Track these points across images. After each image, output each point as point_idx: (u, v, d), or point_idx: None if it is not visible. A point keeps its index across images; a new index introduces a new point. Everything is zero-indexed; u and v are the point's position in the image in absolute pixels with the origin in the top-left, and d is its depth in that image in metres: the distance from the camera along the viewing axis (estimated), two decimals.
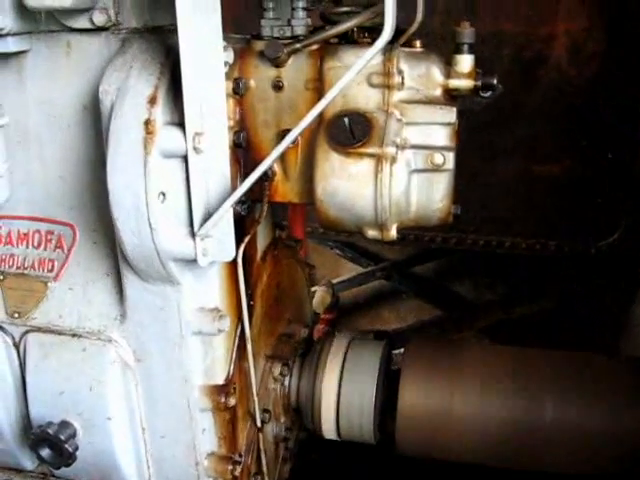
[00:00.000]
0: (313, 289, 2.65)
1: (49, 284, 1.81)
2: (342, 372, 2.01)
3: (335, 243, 3.92)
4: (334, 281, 3.50)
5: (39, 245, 1.83)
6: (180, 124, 1.50)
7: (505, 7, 3.11)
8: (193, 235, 1.54)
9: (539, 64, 3.18)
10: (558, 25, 3.08)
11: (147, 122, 1.48)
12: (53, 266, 1.82)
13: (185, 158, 1.51)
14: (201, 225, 1.52)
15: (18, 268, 1.84)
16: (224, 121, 1.49)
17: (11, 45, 1.65)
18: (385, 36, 1.32)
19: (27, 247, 1.84)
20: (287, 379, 2.06)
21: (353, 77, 1.37)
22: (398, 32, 1.77)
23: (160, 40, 1.61)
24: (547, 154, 3.30)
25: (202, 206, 1.54)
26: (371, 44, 1.65)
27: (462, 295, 3.65)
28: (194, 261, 1.56)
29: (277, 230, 2.06)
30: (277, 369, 2.02)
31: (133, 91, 1.52)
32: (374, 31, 1.69)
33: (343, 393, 2.00)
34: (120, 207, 1.53)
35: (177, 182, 1.54)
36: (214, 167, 1.52)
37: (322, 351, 2.06)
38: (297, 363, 2.09)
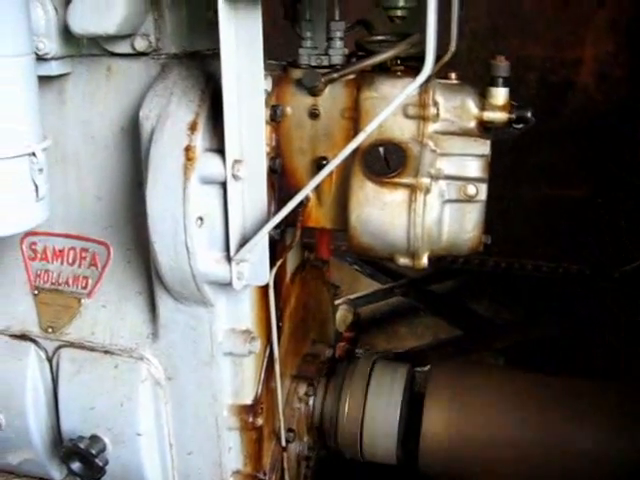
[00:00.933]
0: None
1: (83, 300, 1.85)
2: (366, 393, 2.03)
3: (354, 259, 3.95)
4: (352, 297, 3.53)
5: (73, 262, 1.86)
6: (219, 151, 1.53)
7: (532, 31, 3.13)
8: (229, 259, 1.57)
9: (566, 88, 3.20)
10: (586, 50, 3.10)
11: (187, 148, 1.52)
12: (87, 283, 1.85)
13: (223, 184, 1.54)
14: (237, 250, 1.55)
15: (52, 284, 1.88)
16: (263, 149, 1.52)
17: (54, 68, 1.69)
18: (425, 73, 1.34)
19: (62, 264, 1.87)
20: (312, 399, 2.08)
21: (392, 111, 1.40)
22: None
23: (200, 66, 1.64)
24: (571, 178, 3.32)
25: (238, 231, 1.57)
26: (404, 73, 1.70)
27: (480, 314, 3.66)
28: (228, 284, 1.60)
29: (306, 252, 2.10)
30: (302, 389, 2.05)
31: (174, 117, 1.55)
32: (407, 59, 1.72)
33: (367, 414, 2.02)
34: (158, 231, 1.56)
35: (214, 207, 1.57)
36: (252, 194, 1.55)
37: (347, 372, 2.09)
38: (322, 383, 2.11)
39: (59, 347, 1.84)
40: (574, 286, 3.46)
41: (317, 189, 1.70)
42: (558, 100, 3.20)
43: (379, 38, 1.78)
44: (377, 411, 2.02)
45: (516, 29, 3.10)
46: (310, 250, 2.12)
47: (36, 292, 1.89)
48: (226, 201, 1.55)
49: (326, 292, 2.32)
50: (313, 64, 1.67)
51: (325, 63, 1.67)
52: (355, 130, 1.64)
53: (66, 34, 1.65)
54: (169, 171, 1.52)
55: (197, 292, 1.62)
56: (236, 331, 1.73)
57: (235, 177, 1.51)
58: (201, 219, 1.55)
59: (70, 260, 1.87)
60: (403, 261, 1.66)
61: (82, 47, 1.71)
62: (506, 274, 3.57)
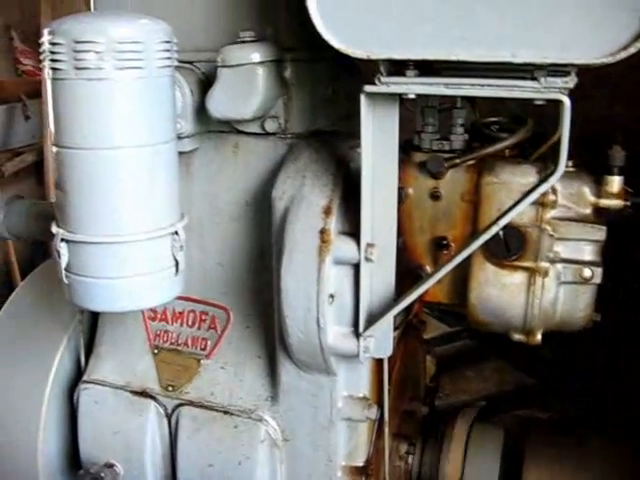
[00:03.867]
0: None
1: (202, 361, 1.95)
2: (465, 456, 2.11)
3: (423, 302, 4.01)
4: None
5: (193, 324, 1.97)
6: (352, 234, 1.63)
7: (619, 91, 3.17)
8: (356, 334, 1.67)
9: None
10: None
11: (322, 231, 1.61)
12: (206, 345, 1.95)
13: (354, 264, 1.63)
14: (366, 327, 1.65)
15: (172, 344, 1.98)
16: (394, 233, 1.61)
17: (187, 145, 1.80)
18: (558, 174, 1.42)
19: (181, 325, 1.98)
20: (411, 457, 2.16)
21: (523, 208, 1.48)
22: (537, 137, 1.88)
23: (328, 149, 1.74)
24: None
25: (366, 309, 1.66)
26: (512, 151, 1.79)
27: (548, 359, 3.70)
28: (354, 357, 1.69)
29: (409, 315, 2.18)
30: (403, 448, 2.13)
31: (308, 201, 1.65)
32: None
33: (466, 476, 2.09)
34: (291, 307, 1.65)
35: (344, 285, 1.66)
36: (380, 274, 1.64)
37: (445, 433, 2.16)
38: (419, 441, 2.19)
39: (179, 405, 1.94)
40: None
41: (435, 266, 1.79)
42: None
43: (493, 120, 1.87)
44: (476, 473, 2.09)
45: (602, 89, 3.14)
46: (414, 315, 2.20)
47: (156, 351, 1.99)
48: (356, 280, 1.64)
49: (420, 349, 2.41)
50: (434, 148, 1.76)
51: (446, 148, 1.75)
52: (475, 212, 1.72)
53: (199, 114, 1.77)
54: (304, 252, 1.62)
55: (322, 363, 1.72)
56: (354, 398, 1.82)
57: (367, 259, 1.60)
58: (332, 296, 1.65)
59: (190, 322, 1.97)
60: (517, 337, 1.75)
61: (211, 124, 1.81)
62: None
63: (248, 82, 1.66)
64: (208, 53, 1.79)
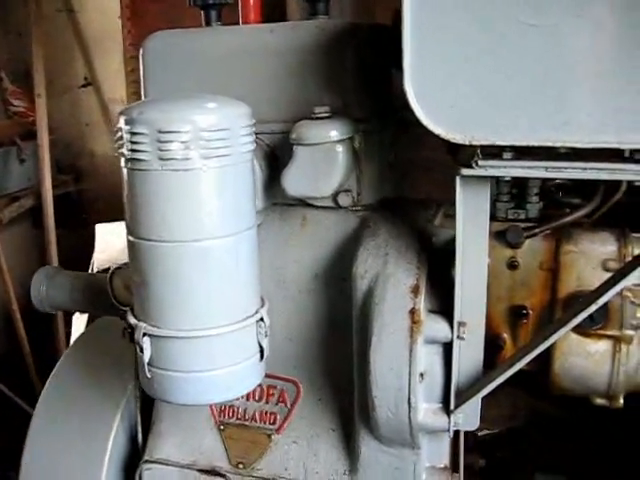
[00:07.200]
0: None
1: (272, 436, 1.91)
2: None
3: None
4: None
5: (260, 398, 1.92)
6: (441, 312, 1.61)
7: None
8: (445, 410, 1.66)
9: None
10: None
11: (412, 311, 1.59)
12: (275, 419, 1.91)
13: (444, 343, 1.62)
14: (457, 404, 1.63)
15: (238, 419, 1.94)
16: (484, 311, 1.60)
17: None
18: None
19: (247, 400, 1.93)
20: None
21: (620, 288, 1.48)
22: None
23: (407, 223, 1.72)
24: None
25: (456, 385, 1.64)
26: (588, 219, 1.79)
27: None
28: (444, 431, 1.68)
29: None
30: None
31: (394, 279, 1.63)
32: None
33: None
34: (381, 387, 1.63)
35: (434, 363, 1.65)
36: (470, 351, 1.62)
37: None
38: None
39: None
40: None
41: (513, 334, 1.79)
42: None
43: (559, 183, 1.87)
44: None
45: None
46: None
47: (222, 427, 1.94)
48: (445, 357, 1.63)
49: None
50: (510, 217, 1.75)
51: (522, 217, 1.75)
52: (554, 281, 1.72)
53: (267, 188, 1.74)
54: (395, 333, 1.60)
55: (409, 438, 1.70)
56: (436, 469, 1.80)
57: (459, 338, 1.59)
58: (422, 375, 1.63)
59: (256, 397, 1.92)
60: (600, 402, 1.75)
61: (277, 197, 1.78)
62: None
63: (328, 160, 1.62)
64: (273, 124, 1.77)
